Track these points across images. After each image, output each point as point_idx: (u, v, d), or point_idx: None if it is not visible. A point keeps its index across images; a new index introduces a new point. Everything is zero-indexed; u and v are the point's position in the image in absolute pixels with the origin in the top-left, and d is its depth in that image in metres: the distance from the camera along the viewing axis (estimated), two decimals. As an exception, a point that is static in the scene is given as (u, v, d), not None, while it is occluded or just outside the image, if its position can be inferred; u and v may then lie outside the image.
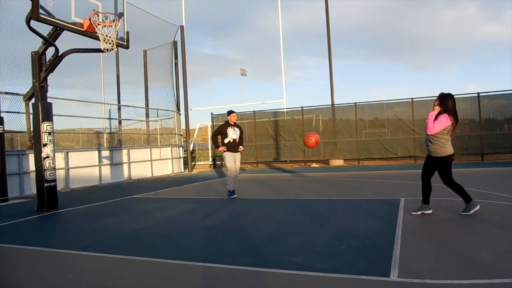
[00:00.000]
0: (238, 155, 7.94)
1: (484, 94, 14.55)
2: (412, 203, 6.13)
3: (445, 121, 4.87)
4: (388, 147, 15.83)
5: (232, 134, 7.81)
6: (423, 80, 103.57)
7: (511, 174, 9.71)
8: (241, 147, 7.96)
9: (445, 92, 5.06)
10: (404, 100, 15.86)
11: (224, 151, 7.81)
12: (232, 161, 7.83)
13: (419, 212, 5.22)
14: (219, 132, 7.93)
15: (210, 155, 20.90)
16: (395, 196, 6.88)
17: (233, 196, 7.81)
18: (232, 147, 7.83)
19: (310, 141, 6.19)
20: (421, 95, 16.70)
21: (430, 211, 5.22)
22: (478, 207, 5.01)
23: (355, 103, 16.33)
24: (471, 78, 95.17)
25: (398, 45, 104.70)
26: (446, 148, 4.96)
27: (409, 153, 15.53)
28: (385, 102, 16.16)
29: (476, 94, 14.46)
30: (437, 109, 4.99)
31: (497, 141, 14.61)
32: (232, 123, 7.92)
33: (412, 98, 15.51)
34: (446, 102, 4.94)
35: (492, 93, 14.74)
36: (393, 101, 16.16)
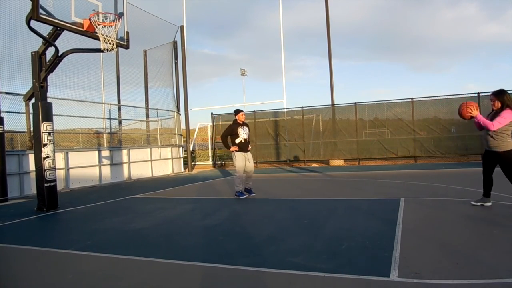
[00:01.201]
0: (249, 154, 7.84)
1: (484, 94, 14.53)
2: (412, 203, 6.13)
3: (509, 116, 4.93)
4: (388, 147, 15.84)
5: (243, 133, 7.69)
6: (423, 80, 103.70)
7: None
8: (249, 146, 7.89)
9: (497, 90, 5.13)
10: (404, 100, 15.87)
11: (236, 150, 7.69)
12: (243, 161, 7.70)
13: (479, 204, 5.42)
14: (230, 132, 7.76)
15: (210, 155, 20.90)
16: (395, 196, 6.88)
17: (244, 197, 7.73)
18: (244, 147, 7.71)
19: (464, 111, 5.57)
20: (421, 95, 16.71)
21: (489, 203, 5.40)
22: None
23: (355, 103, 16.34)
24: (471, 78, 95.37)
25: (398, 45, 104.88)
26: (508, 142, 5.02)
27: (409, 153, 15.53)
28: (385, 102, 16.17)
29: (476, 94, 14.45)
30: (496, 106, 5.08)
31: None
32: (241, 122, 7.80)
33: (412, 98, 15.51)
34: (503, 98, 5.02)
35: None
36: (393, 101, 16.17)
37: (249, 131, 7.88)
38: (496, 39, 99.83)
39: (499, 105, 5.05)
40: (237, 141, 7.70)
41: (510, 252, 3.47)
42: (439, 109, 15.33)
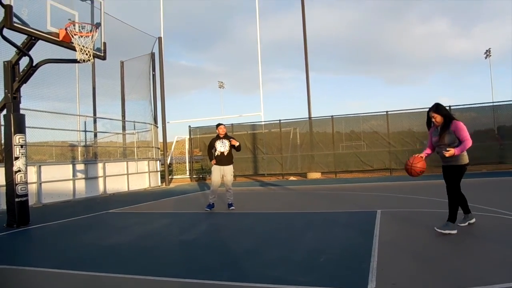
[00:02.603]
0: (227, 168, 7.75)
1: (456, 107, 15.08)
2: (388, 215, 6.23)
3: (463, 125, 4.88)
4: (364, 159, 16.10)
5: (220, 147, 7.72)
6: (398, 93, 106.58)
7: (481, 185, 10.04)
8: (233, 140, 7.73)
9: (434, 104, 5.00)
10: (379, 113, 16.22)
11: (214, 164, 7.77)
12: (217, 174, 7.73)
13: (466, 223, 5.06)
14: (210, 146, 7.90)
15: (187, 168, 20.71)
16: (371, 208, 6.98)
17: (208, 209, 7.73)
18: (220, 160, 7.72)
19: (414, 172, 5.33)
20: (396, 108, 17.16)
21: (473, 220, 5.11)
22: (455, 231, 4.73)
23: (332, 116, 16.60)
24: (444, 91, 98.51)
25: (374, 59, 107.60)
26: (464, 156, 4.92)
27: (384, 165, 15.83)
28: (361, 115, 16.50)
29: (448, 108, 14.96)
30: (439, 120, 4.91)
31: (468, 153, 15.05)
32: (221, 136, 7.83)
33: (387, 112, 15.88)
34: (442, 112, 4.92)
35: (463, 106, 15.30)
36: (369, 114, 16.52)
37: (231, 144, 7.77)
38: (465, 54, 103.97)
39: (441, 119, 4.91)
40: (215, 154, 7.73)
41: (483, 261, 3.57)
42: (413, 121, 15.75)
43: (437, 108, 4.95)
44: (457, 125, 4.86)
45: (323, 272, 3.49)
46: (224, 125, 7.94)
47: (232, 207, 7.83)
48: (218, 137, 7.83)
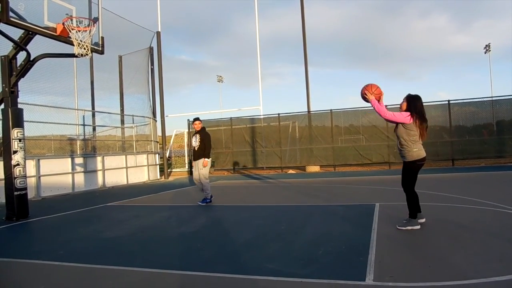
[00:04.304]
0: (199, 162, 7.77)
1: (454, 101, 15.09)
2: (386, 208, 6.26)
3: (405, 117, 4.68)
4: (363, 153, 16.12)
5: (194, 142, 7.88)
6: (396, 87, 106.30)
7: (480, 179, 10.07)
8: (206, 160, 7.66)
9: (413, 94, 4.85)
10: (378, 108, 16.17)
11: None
12: (194, 169, 7.93)
13: (409, 227, 4.73)
14: (190, 143, 8.06)
15: (186, 162, 20.72)
16: (370, 202, 7.00)
17: (202, 204, 7.79)
18: (194, 155, 7.91)
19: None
20: (394, 103, 17.14)
21: (418, 227, 4.76)
22: (418, 227, 4.72)
23: (330, 110, 16.58)
24: (442, 86, 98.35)
25: (373, 54, 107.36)
26: (413, 152, 4.72)
27: (383, 159, 15.85)
28: (359, 109, 16.48)
29: (447, 102, 14.97)
30: (404, 106, 4.80)
31: (467, 147, 15.14)
32: (197, 131, 7.93)
33: (386, 106, 15.82)
34: (414, 103, 4.74)
35: (462, 101, 15.31)
36: (368, 108, 16.48)
37: (201, 140, 7.74)
38: (464, 50, 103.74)
39: (405, 107, 4.79)
40: (192, 149, 7.89)
41: (479, 254, 3.60)
42: (411, 116, 15.73)
43: (411, 97, 4.82)
44: (405, 111, 4.77)
45: (322, 265, 3.51)
46: (200, 120, 7.99)
47: (200, 203, 7.81)
48: (195, 132, 7.99)
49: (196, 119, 7.97)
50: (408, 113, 4.72)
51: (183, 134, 22.21)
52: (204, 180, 7.77)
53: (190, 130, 19.03)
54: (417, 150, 4.73)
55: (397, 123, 4.86)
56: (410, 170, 4.84)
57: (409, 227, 4.70)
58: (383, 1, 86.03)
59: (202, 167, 7.74)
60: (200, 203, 7.79)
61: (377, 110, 4.86)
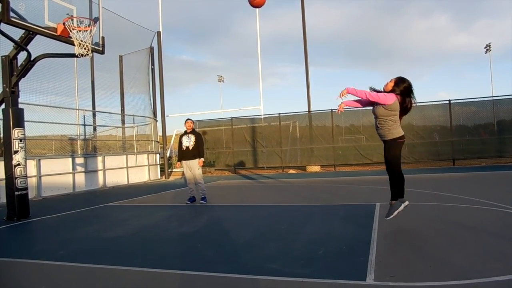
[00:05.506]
0: (192, 162, 7.78)
1: (455, 101, 15.07)
2: (387, 207, 6.23)
3: (390, 98, 4.60)
4: (364, 153, 16.11)
5: (186, 142, 7.85)
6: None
7: (481, 179, 10.07)
8: (200, 160, 7.78)
9: (403, 76, 4.74)
10: (378, 107, 16.15)
11: (179, 164, 7.96)
12: (186, 169, 7.87)
13: (396, 213, 4.66)
14: (179, 143, 8.03)
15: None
16: (370, 202, 7.00)
17: (191, 202, 7.86)
18: (185, 155, 7.83)
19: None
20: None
21: (407, 203, 4.73)
22: (407, 203, 4.66)
23: (331, 110, 16.57)
24: (442, 86, 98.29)
25: (374, 54, 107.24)
26: (395, 130, 4.68)
27: (384, 159, 15.80)
28: (360, 109, 16.45)
29: (448, 102, 14.95)
30: (390, 86, 4.72)
31: (468, 146, 15.13)
32: (188, 131, 7.95)
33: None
34: (400, 85, 4.66)
35: (463, 101, 15.29)
36: (368, 108, 16.45)
37: (196, 140, 7.82)
38: (465, 49, 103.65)
39: (391, 87, 4.70)
40: (182, 149, 7.85)
41: (479, 254, 3.60)
42: (412, 115, 15.69)
43: (399, 78, 4.73)
44: (391, 92, 4.67)
45: (322, 265, 3.51)
46: (192, 120, 8.10)
47: (202, 201, 7.82)
48: (185, 133, 7.99)
49: (188, 119, 8.05)
50: (393, 95, 4.65)
51: (183, 134, 22.18)
52: (201, 180, 7.86)
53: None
54: (397, 128, 4.71)
55: (378, 104, 4.77)
56: (394, 148, 4.73)
57: (396, 212, 4.60)
58: (383, 1, 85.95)
59: (199, 167, 7.79)
60: (202, 202, 7.81)
61: (359, 95, 4.76)
